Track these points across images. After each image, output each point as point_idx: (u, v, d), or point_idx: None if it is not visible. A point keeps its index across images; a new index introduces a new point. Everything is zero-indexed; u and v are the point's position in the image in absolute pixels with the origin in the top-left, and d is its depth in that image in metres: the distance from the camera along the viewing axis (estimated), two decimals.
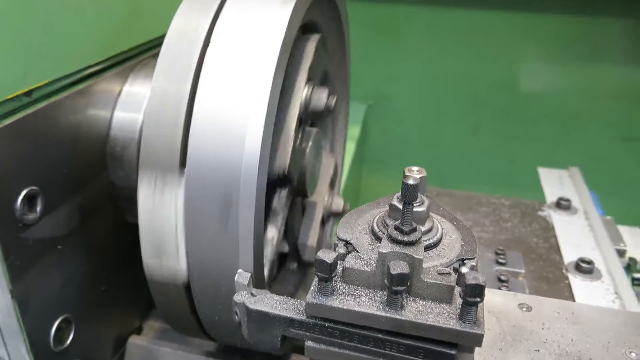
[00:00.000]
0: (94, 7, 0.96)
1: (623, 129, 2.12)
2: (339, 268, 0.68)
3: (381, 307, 0.65)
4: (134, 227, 0.88)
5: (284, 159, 0.94)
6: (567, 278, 1.20)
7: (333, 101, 1.03)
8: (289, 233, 1.17)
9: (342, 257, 0.70)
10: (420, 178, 0.68)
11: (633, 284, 1.30)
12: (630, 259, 1.35)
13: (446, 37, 2.22)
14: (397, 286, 0.63)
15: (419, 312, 0.65)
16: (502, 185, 2.31)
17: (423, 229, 0.73)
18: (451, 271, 0.68)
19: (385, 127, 2.40)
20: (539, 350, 0.75)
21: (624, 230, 1.42)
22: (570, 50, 2.10)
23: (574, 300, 1.13)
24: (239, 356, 1.14)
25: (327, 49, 1.22)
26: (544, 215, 1.47)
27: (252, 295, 0.74)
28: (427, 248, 0.72)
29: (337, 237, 0.75)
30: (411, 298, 0.67)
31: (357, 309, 0.65)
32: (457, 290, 0.66)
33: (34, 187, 0.85)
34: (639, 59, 2.06)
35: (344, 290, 0.67)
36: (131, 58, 1.09)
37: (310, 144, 1.08)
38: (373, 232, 0.75)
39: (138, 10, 1.09)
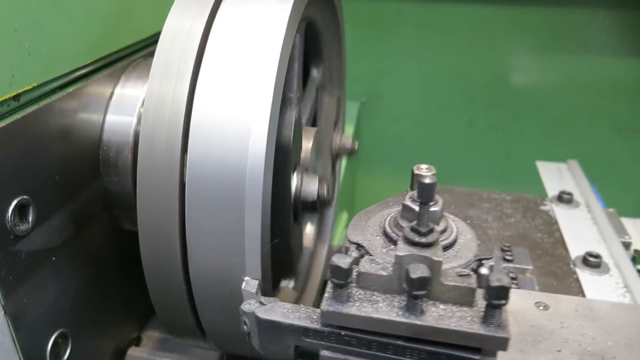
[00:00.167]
0: (83, 6, 0.92)
1: (618, 120, 2.11)
2: (354, 273, 0.65)
3: (400, 313, 0.62)
4: (131, 235, 0.84)
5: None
6: (575, 273, 1.18)
7: None
8: None
9: (356, 261, 0.67)
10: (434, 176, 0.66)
11: None
12: (636, 251, 1.33)
13: (437, 32, 2.20)
14: (418, 290, 0.60)
15: (440, 317, 0.62)
16: (499, 180, 2.31)
17: (438, 229, 0.70)
18: (471, 272, 0.65)
19: (378, 124, 2.38)
20: (560, 351, 0.73)
21: (627, 222, 1.41)
22: (558, 42, 2.10)
23: (584, 295, 1.11)
24: None
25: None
26: (546, 209, 1.45)
27: (262, 304, 0.70)
28: (444, 249, 0.69)
29: (348, 239, 0.72)
30: (430, 302, 0.64)
31: (375, 315, 0.62)
32: (478, 292, 0.64)
33: (25, 197, 0.81)
34: (626, 50, 2.05)
35: (360, 297, 0.64)
36: (122, 59, 1.05)
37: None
38: (386, 234, 0.72)
39: (129, 9, 1.05)
